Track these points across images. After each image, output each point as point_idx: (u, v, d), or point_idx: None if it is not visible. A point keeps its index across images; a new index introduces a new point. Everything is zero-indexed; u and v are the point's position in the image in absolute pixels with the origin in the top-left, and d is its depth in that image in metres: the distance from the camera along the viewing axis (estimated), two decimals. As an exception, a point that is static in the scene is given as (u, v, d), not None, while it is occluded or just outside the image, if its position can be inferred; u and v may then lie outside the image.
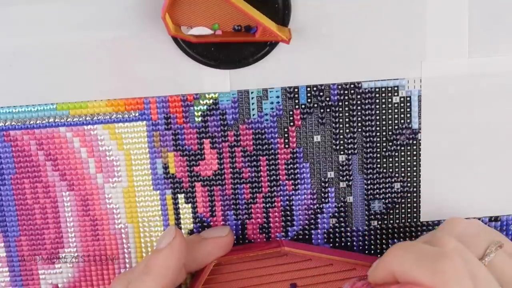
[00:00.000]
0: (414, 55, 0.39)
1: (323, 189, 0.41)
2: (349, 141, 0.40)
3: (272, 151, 0.41)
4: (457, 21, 0.38)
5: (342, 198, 0.41)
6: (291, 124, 0.40)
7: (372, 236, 0.42)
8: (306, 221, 0.42)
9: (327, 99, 0.40)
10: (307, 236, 0.42)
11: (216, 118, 0.40)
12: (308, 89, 0.40)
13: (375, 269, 0.33)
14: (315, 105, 0.40)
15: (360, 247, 0.42)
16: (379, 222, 0.42)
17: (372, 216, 0.42)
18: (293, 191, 0.41)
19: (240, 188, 0.41)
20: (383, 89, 0.40)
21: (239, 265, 0.40)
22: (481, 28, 0.39)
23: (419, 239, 0.36)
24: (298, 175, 0.41)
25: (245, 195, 0.41)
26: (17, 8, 0.38)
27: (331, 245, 0.42)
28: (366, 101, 0.40)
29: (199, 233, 0.41)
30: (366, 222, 0.42)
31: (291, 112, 0.40)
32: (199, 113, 0.40)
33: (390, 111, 0.40)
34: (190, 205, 0.41)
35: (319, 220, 0.42)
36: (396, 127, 0.40)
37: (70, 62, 0.38)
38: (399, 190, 0.41)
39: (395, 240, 0.42)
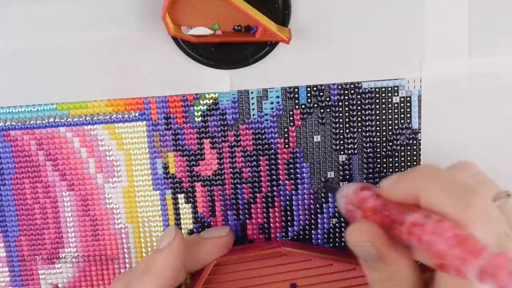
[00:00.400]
0: (414, 55, 0.39)
1: (323, 189, 0.41)
2: (349, 141, 0.40)
3: (272, 151, 0.41)
4: (457, 21, 0.38)
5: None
6: (291, 124, 0.40)
7: (372, 236, 0.42)
8: (306, 221, 0.42)
9: (327, 99, 0.40)
10: (307, 236, 0.42)
11: (216, 118, 0.40)
12: (308, 89, 0.40)
13: (393, 185, 0.31)
14: (315, 105, 0.40)
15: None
16: (379, 222, 0.42)
17: (372, 216, 0.42)
18: (293, 191, 0.41)
19: (240, 188, 0.41)
20: (383, 89, 0.40)
21: (239, 265, 0.40)
22: (481, 28, 0.39)
23: None
24: (298, 175, 0.41)
25: (245, 195, 0.41)
26: (17, 8, 0.38)
27: (331, 245, 0.42)
28: (366, 101, 0.40)
29: (199, 233, 0.41)
30: (366, 222, 0.42)
31: (291, 112, 0.40)
32: (199, 113, 0.40)
33: (390, 111, 0.40)
34: (190, 205, 0.41)
35: (319, 220, 0.42)
36: (396, 127, 0.40)
37: (70, 62, 0.38)
38: (399, 190, 0.41)
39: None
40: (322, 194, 0.41)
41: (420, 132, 0.40)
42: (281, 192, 0.41)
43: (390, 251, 0.31)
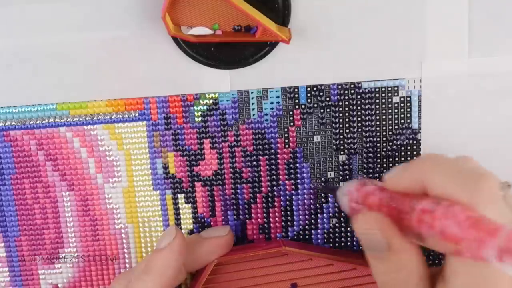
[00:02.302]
0: (414, 55, 0.39)
1: (323, 191, 0.41)
2: (349, 141, 0.40)
3: (272, 151, 0.41)
4: (457, 21, 0.39)
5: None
6: (291, 124, 0.40)
7: (372, 236, 0.42)
8: (306, 221, 0.42)
9: (327, 99, 0.40)
10: (307, 236, 0.42)
11: (216, 118, 0.40)
12: (308, 89, 0.40)
13: (398, 176, 0.31)
14: (315, 105, 0.40)
15: (360, 247, 0.42)
16: (379, 222, 0.42)
17: (372, 216, 0.42)
18: (293, 191, 0.41)
19: (240, 188, 0.41)
20: (383, 89, 0.40)
21: (239, 265, 0.40)
22: (481, 28, 0.39)
23: None
24: (298, 175, 0.41)
25: (245, 195, 0.41)
26: (17, 8, 0.38)
27: (331, 245, 0.42)
28: (366, 101, 0.40)
29: (199, 233, 0.41)
30: (366, 222, 0.42)
31: (291, 112, 0.40)
32: (199, 113, 0.40)
33: (390, 111, 0.40)
34: (190, 205, 0.41)
35: (319, 220, 0.42)
36: (396, 127, 0.40)
37: (70, 62, 0.38)
38: (399, 190, 0.41)
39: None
40: (322, 194, 0.41)
41: (420, 132, 0.40)
42: (281, 192, 0.41)
43: (400, 240, 0.30)
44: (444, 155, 0.31)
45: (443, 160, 0.30)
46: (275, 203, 0.41)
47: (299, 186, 0.41)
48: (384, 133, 0.40)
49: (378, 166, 0.41)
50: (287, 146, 0.40)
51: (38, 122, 0.40)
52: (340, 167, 0.41)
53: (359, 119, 0.40)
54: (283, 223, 0.42)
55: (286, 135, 0.40)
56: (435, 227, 0.28)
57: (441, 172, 0.29)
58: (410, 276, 0.30)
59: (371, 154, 0.41)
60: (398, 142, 0.41)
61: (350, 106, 0.40)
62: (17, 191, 0.41)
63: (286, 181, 0.41)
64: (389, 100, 0.40)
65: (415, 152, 0.41)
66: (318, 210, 0.42)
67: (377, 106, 0.40)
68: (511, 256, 0.24)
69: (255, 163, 0.41)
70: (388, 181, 0.32)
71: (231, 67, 0.39)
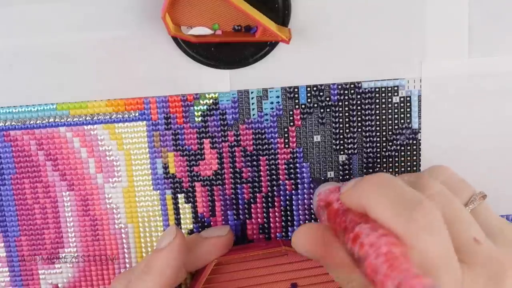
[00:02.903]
0: (414, 55, 0.39)
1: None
2: (349, 141, 0.40)
3: (272, 151, 0.41)
4: (457, 21, 0.39)
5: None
6: (291, 124, 0.40)
7: (372, 236, 0.42)
8: (306, 221, 0.42)
9: (327, 99, 0.40)
10: (307, 236, 0.42)
11: (216, 118, 0.40)
12: (308, 89, 0.40)
13: (348, 193, 0.31)
14: (315, 105, 0.40)
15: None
16: (379, 222, 0.42)
17: (372, 216, 0.42)
18: (293, 191, 0.41)
19: (240, 188, 0.41)
20: (383, 89, 0.40)
21: (239, 265, 0.40)
22: (481, 28, 0.39)
23: (403, 176, 0.35)
24: (298, 175, 0.41)
25: (245, 195, 0.41)
26: (17, 8, 0.38)
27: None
28: (366, 101, 0.40)
29: (199, 232, 0.41)
30: (366, 222, 0.42)
31: (291, 112, 0.40)
32: (199, 113, 0.40)
33: (390, 111, 0.40)
34: (190, 205, 0.41)
35: (319, 220, 0.42)
36: (396, 127, 0.40)
37: (70, 62, 0.38)
38: (399, 190, 0.41)
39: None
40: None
41: (420, 132, 0.40)
42: (281, 192, 0.41)
43: (329, 256, 0.31)
44: (390, 178, 0.30)
45: (386, 184, 0.29)
46: (275, 203, 0.41)
47: (299, 186, 0.41)
48: (384, 133, 0.40)
49: (378, 166, 0.41)
50: (287, 146, 0.41)
51: (38, 122, 0.40)
52: (340, 167, 0.41)
53: (359, 119, 0.40)
54: (283, 223, 0.42)
55: (286, 135, 0.40)
56: (361, 252, 0.28)
57: (381, 198, 0.29)
58: None
59: (371, 154, 0.41)
60: (398, 142, 0.41)
61: (350, 106, 0.40)
62: (17, 191, 0.41)
63: (286, 181, 0.41)
64: (389, 100, 0.40)
65: (415, 152, 0.41)
66: (318, 210, 0.42)
67: (377, 106, 0.40)
68: None
69: (255, 163, 0.41)
70: (341, 195, 0.32)
71: (231, 67, 0.39)
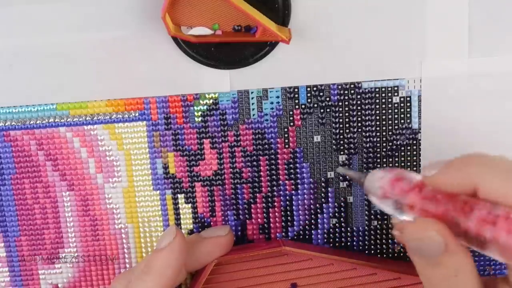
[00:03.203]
0: (414, 55, 0.39)
1: (323, 189, 0.41)
2: (349, 141, 0.40)
3: (272, 151, 0.41)
4: (457, 21, 0.38)
5: (342, 198, 0.41)
6: (291, 124, 0.40)
7: (372, 236, 0.42)
8: (306, 221, 0.42)
9: (327, 99, 0.40)
10: (307, 236, 0.42)
11: (216, 118, 0.40)
12: (308, 89, 0.40)
13: (443, 175, 0.29)
14: (315, 105, 0.40)
15: (360, 247, 0.42)
16: (379, 222, 0.42)
17: (372, 216, 0.42)
18: (293, 191, 0.41)
19: (240, 188, 0.41)
20: (383, 89, 0.40)
21: (239, 265, 0.40)
22: (481, 28, 0.39)
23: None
24: (298, 175, 0.41)
25: (245, 195, 0.41)
26: (17, 8, 0.38)
27: (331, 245, 0.42)
28: (366, 101, 0.40)
29: (199, 233, 0.41)
30: (366, 222, 0.42)
31: (291, 112, 0.40)
32: (199, 113, 0.40)
33: (390, 111, 0.40)
34: (190, 205, 0.41)
35: (319, 220, 0.42)
36: (396, 127, 0.40)
37: (70, 62, 0.38)
38: (399, 190, 0.41)
39: (395, 240, 0.42)
40: (322, 194, 0.41)
41: (420, 132, 0.40)
42: (281, 192, 0.41)
43: (455, 241, 0.29)
44: (490, 154, 0.29)
45: (494, 161, 0.28)
46: (275, 203, 0.41)
47: (299, 186, 0.41)
48: (384, 133, 0.40)
49: (378, 166, 0.41)
50: (287, 146, 0.40)
51: (38, 122, 0.40)
52: (340, 167, 0.41)
53: (359, 119, 0.40)
54: (283, 223, 0.42)
55: (286, 135, 0.40)
56: (498, 240, 0.26)
57: (494, 174, 0.27)
58: (468, 281, 0.29)
59: (371, 154, 0.41)
60: (398, 142, 0.41)
61: (350, 106, 0.40)
62: (17, 191, 0.41)
63: (286, 181, 0.41)
64: (389, 100, 0.40)
65: (415, 152, 0.41)
66: (318, 210, 0.42)
67: (377, 106, 0.40)
68: None
69: (255, 163, 0.41)
70: (430, 179, 0.30)
71: (231, 67, 0.39)
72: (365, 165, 0.41)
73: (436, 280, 0.30)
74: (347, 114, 0.40)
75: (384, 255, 0.42)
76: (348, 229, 0.42)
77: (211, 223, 0.42)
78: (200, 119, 0.40)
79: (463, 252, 0.29)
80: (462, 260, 0.29)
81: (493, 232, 0.27)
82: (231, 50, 0.38)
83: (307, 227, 0.42)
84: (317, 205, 0.41)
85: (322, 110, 0.40)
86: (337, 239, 0.42)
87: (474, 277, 0.29)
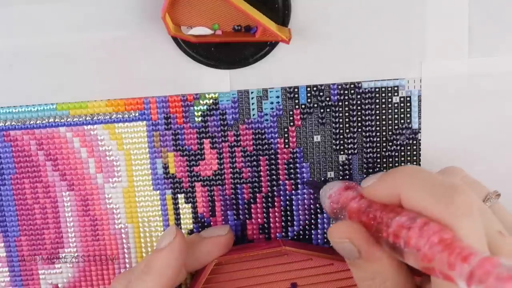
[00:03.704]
0: (414, 55, 0.39)
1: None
2: (349, 141, 0.40)
3: (272, 151, 0.41)
4: (457, 21, 0.39)
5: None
6: (291, 124, 0.40)
7: (372, 236, 0.42)
8: (306, 221, 0.42)
9: (327, 99, 0.40)
10: (307, 236, 0.42)
11: (216, 118, 0.40)
12: (308, 89, 0.40)
13: (375, 186, 0.31)
14: (315, 105, 0.40)
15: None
16: (379, 222, 0.42)
17: (372, 216, 0.42)
18: (293, 191, 0.41)
19: (240, 188, 0.41)
20: (383, 89, 0.40)
21: (239, 265, 0.40)
22: (481, 28, 0.39)
23: None
24: (298, 175, 0.41)
25: (245, 195, 0.41)
26: (17, 8, 0.38)
27: (331, 245, 0.42)
28: (366, 101, 0.40)
29: (199, 232, 0.41)
30: (366, 222, 0.42)
31: (291, 112, 0.40)
32: (199, 113, 0.40)
33: (390, 111, 0.40)
34: (190, 205, 0.41)
35: (319, 220, 0.42)
36: (396, 127, 0.40)
37: (70, 62, 0.38)
38: (399, 190, 0.41)
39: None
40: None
41: (420, 132, 0.40)
42: (281, 192, 0.41)
43: (370, 248, 0.31)
44: (420, 168, 0.31)
45: (418, 173, 0.30)
46: (275, 203, 0.41)
47: (299, 186, 0.41)
48: (384, 133, 0.40)
49: (378, 166, 0.41)
50: (287, 146, 0.41)
51: (38, 122, 0.40)
52: (340, 167, 0.41)
53: (359, 119, 0.40)
54: (283, 223, 0.42)
55: (286, 135, 0.40)
56: (410, 244, 0.28)
57: (416, 185, 0.29)
58: (386, 284, 0.31)
59: (371, 154, 0.41)
60: (398, 142, 0.41)
61: (350, 106, 0.40)
62: (17, 191, 0.41)
63: (286, 181, 0.41)
64: (389, 100, 0.40)
65: (415, 152, 0.41)
66: (318, 210, 0.42)
67: (377, 106, 0.40)
68: (479, 282, 0.24)
69: (255, 163, 0.41)
70: (365, 190, 0.32)
71: (231, 67, 0.39)
72: (365, 165, 0.41)
73: (358, 280, 0.32)
74: (347, 114, 0.40)
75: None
76: (348, 229, 0.42)
77: (211, 223, 0.42)
78: (200, 119, 0.40)
79: (380, 259, 0.30)
80: (379, 267, 0.31)
81: (405, 237, 0.28)
82: (231, 50, 0.38)
83: (307, 227, 0.42)
84: (317, 205, 0.41)
85: (322, 110, 0.40)
86: (337, 239, 0.42)
87: (393, 281, 0.31)
